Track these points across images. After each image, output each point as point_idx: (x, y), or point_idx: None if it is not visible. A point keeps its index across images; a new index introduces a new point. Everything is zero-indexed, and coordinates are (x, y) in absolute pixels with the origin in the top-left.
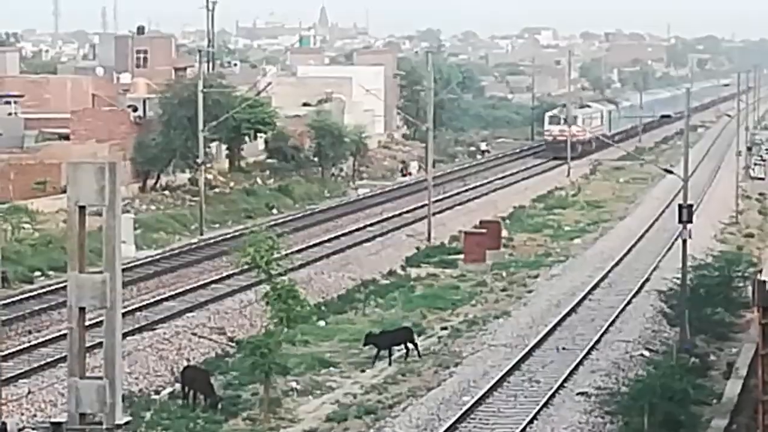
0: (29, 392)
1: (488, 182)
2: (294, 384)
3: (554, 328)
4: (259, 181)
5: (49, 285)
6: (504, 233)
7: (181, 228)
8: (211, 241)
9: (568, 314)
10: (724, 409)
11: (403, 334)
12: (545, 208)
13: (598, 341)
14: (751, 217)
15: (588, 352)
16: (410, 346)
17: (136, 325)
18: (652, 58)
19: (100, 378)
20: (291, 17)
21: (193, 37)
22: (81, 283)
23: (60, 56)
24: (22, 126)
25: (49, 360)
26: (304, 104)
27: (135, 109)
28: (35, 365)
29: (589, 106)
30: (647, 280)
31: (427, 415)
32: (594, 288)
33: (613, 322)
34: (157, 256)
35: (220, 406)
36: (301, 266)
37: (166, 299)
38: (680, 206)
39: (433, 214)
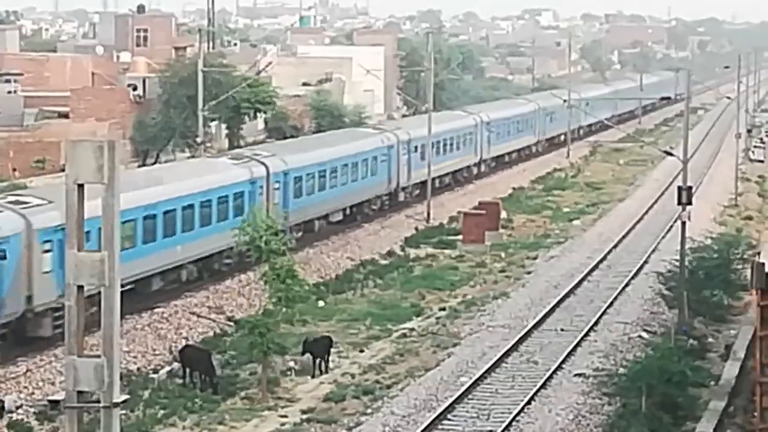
0: (27, 371)
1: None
2: (292, 364)
3: (553, 309)
4: None
5: None
6: (503, 214)
7: None
8: None
9: (566, 296)
10: (722, 390)
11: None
12: (544, 190)
13: (596, 323)
14: (750, 199)
15: (586, 334)
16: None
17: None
18: (652, 39)
19: (98, 356)
20: None
21: (194, 16)
22: (79, 261)
23: (60, 35)
24: (21, 104)
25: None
26: (304, 84)
27: (135, 88)
28: (33, 344)
29: None
30: (646, 261)
31: (425, 395)
32: (593, 269)
33: (612, 303)
34: None
35: (215, 383)
36: (300, 246)
37: None
38: (680, 188)
39: (433, 194)
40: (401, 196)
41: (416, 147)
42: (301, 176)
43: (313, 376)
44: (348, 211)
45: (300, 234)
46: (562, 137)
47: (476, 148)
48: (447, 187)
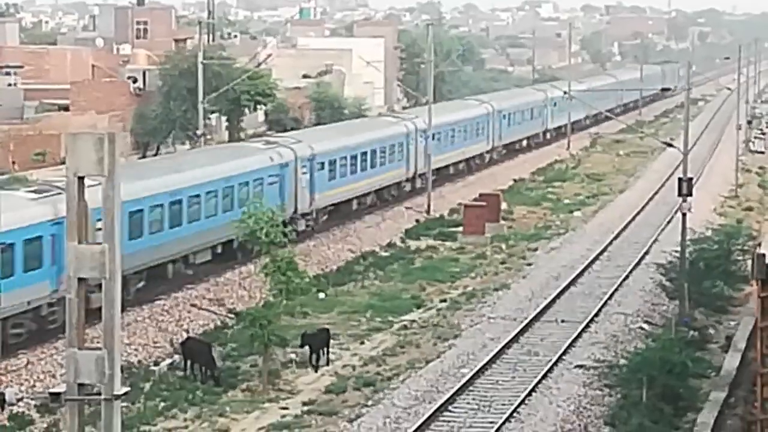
0: (28, 363)
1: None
2: (293, 356)
3: (553, 300)
4: None
5: None
6: (503, 206)
7: None
8: None
9: (567, 287)
10: (722, 382)
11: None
12: (545, 181)
13: (597, 314)
14: (750, 190)
15: (587, 325)
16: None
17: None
18: (652, 31)
19: (99, 349)
20: None
21: (193, 9)
22: (80, 254)
23: (60, 27)
24: (21, 97)
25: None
26: (304, 76)
27: (135, 81)
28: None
29: None
30: (647, 253)
31: (425, 386)
32: (593, 261)
33: (612, 295)
34: None
35: (216, 375)
36: (301, 238)
37: None
38: (680, 179)
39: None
40: (301, 225)
41: (323, 164)
42: (142, 209)
43: (316, 370)
44: (220, 250)
45: (142, 283)
46: (525, 142)
47: (408, 160)
48: (371, 207)
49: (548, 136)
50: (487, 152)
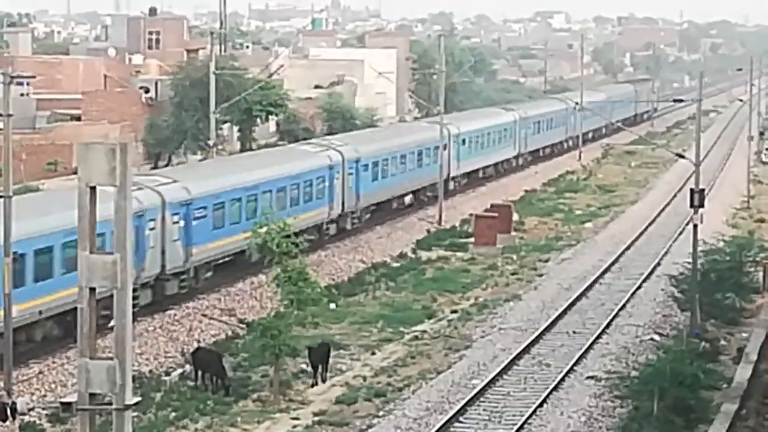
0: (39, 372)
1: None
2: (304, 366)
3: (564, 311)
4: None
5: None
6: (515, 217)
7: None
8: None
9: (578, 298)
10: (734, 393)
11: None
12: (556, 192)
13: (608, 325)
14: (762, 202)
15: (598, 336)
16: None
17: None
18: (664, 42)
19: (111, 359)
20: None
21: (206, 19)
22: (91, 264)
23: (72, 37)
24: (34, 107)
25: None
26: (316, 87)
27: (147, 91)
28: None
29: None
30: (658, 264)
31: (436, 397)
32: (605, 272)
33: (624, 306)
34: None
35: (227, 385)
36: (312, 249)
37: None
38: (692, 191)
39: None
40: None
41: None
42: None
43: (322, 381)
44: None
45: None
46: (409, 198)
47: (176, 251)
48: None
49: (454, 185)
50: (331, 222)
